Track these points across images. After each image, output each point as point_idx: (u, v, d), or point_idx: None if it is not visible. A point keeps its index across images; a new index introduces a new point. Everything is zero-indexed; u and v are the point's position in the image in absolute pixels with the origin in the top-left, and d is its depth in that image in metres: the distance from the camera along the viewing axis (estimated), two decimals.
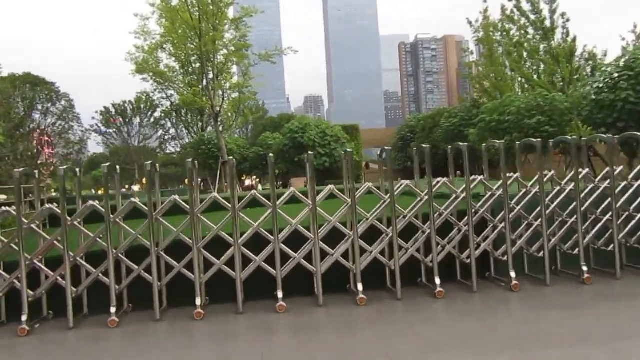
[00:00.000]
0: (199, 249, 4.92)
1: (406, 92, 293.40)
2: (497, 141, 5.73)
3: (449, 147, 5.90)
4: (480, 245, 5.47)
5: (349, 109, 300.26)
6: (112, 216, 4.82)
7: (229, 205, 4.95)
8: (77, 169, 5.62)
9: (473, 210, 5.35)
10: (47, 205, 4.96)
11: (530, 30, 31.63)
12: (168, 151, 73.35)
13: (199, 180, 57.77)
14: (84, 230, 4.93)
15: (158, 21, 30.09)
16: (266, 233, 5.01)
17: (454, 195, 5.52)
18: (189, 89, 32.07)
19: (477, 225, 5.46)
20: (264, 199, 5.16)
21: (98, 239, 4.86)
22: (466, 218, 5.33)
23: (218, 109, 30.76)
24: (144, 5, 30.77)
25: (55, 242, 4.82)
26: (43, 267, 4.87)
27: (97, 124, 70.32)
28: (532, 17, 31.05)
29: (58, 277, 4.78)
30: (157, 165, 5.53)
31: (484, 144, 5.98)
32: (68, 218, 4.78)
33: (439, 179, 5.61)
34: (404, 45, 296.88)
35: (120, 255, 4.90)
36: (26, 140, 22.39)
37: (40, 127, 25.26)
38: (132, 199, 5.05)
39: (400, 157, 44.32)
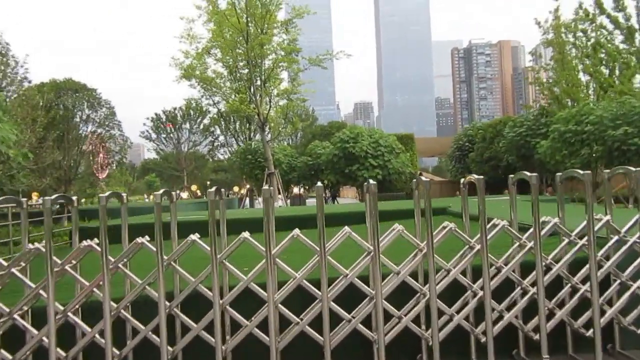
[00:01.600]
0: (224, 307, 3.88)
1: (458, 99, 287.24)
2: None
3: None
4: (606, 312, 4.06)
5: (400, 116, 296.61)
6: (165, 257, 3.83)
7: (263, 250, 3.87)
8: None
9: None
10: (85, 243, 3.97)
11: (610, 30, 28.38)
12: (217, 158, 73.05)
13: (244, 190, 56.76)
14: (130, 275, 3.92)
15: (205, 24, 28.80)
16: (311, 286, 3.89)
17: (567, 239, 4.20)
18: (236, 95, 30.67)
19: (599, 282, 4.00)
20: (310, 243, 4.00)
21: (147, 287, 3.86)
22: (584, 271, 4.05)
23: (265, 116, 29.11)
24: (189, 8, 29.35)
25: (95, 289, 3.87)
26: (78, 320, 3.88)
27: (147, 130, 70.94)
28: (615, 15, 27.80)
29: (97, 335, 3.81)
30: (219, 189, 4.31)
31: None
32: (111, 259, 3.80)
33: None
34: (456, 51, 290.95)
35: (175, 310, 3.90)
36: (75, 146, 21.25)
37: (89, 133, 24.32)
38: (193, 238, 4.08)
39: (457, 168, 41.48)
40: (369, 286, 3.94)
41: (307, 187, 44.42)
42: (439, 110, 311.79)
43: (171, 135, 71.01)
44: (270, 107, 29.70)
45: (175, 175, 72.18)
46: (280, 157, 34.60)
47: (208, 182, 74.05)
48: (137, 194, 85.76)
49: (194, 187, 70.10)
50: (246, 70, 30.97)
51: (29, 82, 32.23)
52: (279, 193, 29.57)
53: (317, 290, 3.85)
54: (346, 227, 4.14)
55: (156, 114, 70.11)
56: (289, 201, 45.41)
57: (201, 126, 69.93)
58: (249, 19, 27.46)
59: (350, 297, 3.97)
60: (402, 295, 4.00)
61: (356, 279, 3.91)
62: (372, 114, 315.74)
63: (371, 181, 4.02)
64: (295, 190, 43.99)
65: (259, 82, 30.22)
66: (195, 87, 34.92)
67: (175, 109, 68.21)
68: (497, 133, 36.76)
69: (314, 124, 56.05)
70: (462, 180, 4.69)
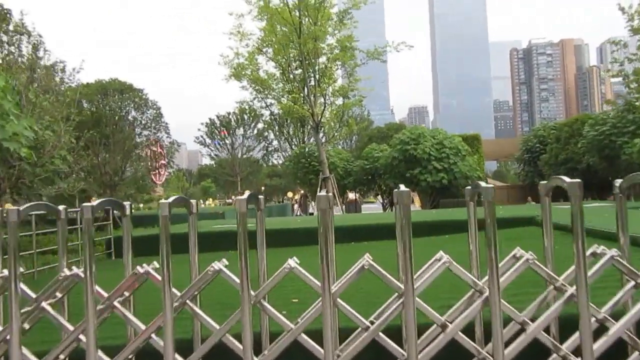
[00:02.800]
0: None
1: (518, 101, 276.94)
2: None
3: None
4: None
5: (456, 119, 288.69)
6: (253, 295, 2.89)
7: (316, 283, 2.86)
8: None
9: None
10: (140, 269, 3.00)
11: None
12: (271, 163, 72.13)
13: (299, 196, 55.16)
14: (203, 317, 2.94)
15: (255, 19, 27.20)
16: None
17: None
18: (289, 96, 28.99)
19: None
20: (314, 282, 2.92)
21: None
22: None
23: (319, 117, 27.19)
24: (237, 4, 27.81)
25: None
26: None
27: (202, 136, 70.87)
28: None
29: None
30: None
31: None
32: (177, 292, 2.91)
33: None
34: (515, 52, 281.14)
35: None
36: (121, 149, 20.11)
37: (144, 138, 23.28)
38: (218, 266, 3.14)
39: (528, 172, 38.12)
40: (401, 344, 2.83)
41: (362, 193, 42.27)
42: (497, 113, 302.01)
43: (225, 140, 70.64)
44: (325, 107, 27.76)
45: (230, 180, 71.81)
46: (335, 161, 32.60)
47: (262, 188, 73.25)
48: (193, 199, 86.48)
49: (247, 193, 69.35)
50: (299, 71, 29.23)
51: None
52: (335, 199, 27.58)
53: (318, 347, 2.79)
54: (366, 255, 3.14)
55: (210, 119, 69.94)
56: (344, 207, 43.44)
57: (255, 131, 69.19)
58: (301, 12, 25.62)
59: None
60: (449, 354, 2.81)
61: (381, 335, 2.87)
62: (427, 117, 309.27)
63: (402, 187, 2.98)
64: (351, 195, 41.95)
65: (312, 82, 28.42)
66: (247, 88, 33.51)
67: (229, 113, 67.77)
68: (574, 133, 33.32)
69: (370, 127, 53.78)
70: (541, 184, 3.39)
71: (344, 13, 26.65)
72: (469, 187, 3.40)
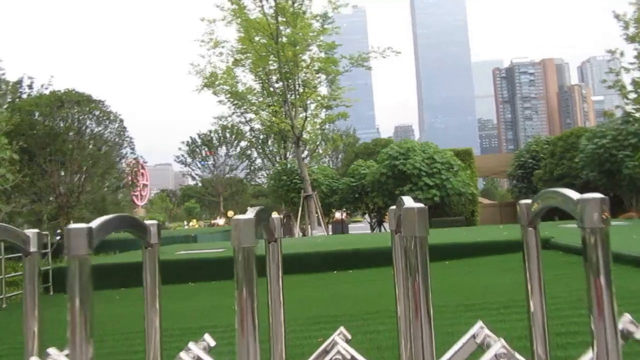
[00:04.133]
0: None
1: (502, 119, 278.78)
2: None
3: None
4: None
5: (441, 137, 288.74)
6: None
7: None
8: None
9: None
10: None
11: None
12: (255, 182, 69.97)
13: (281, 216, 52.84)
14: None
15: (228, 24, 25.29)
16: None
17: None
18: (269, 110, 27.05)
19: None
20: None
21: None
22: None
23: (300, 131, 25.19)
24: (207, 10, 25.86)
25: None
26: None
27: (182, 155, 68.62)
28: None
29: None
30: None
31: None
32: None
33: None
34: (498, 71, 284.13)
35: None
36: (77, 166, 17.90)
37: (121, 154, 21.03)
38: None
39: (521, 189, 36.41)
40: None
41: (349, 212, 40.17)
42: (482, 131, 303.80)
43: (207, 159, 68.50)
44: (306, 120, 25.79)
45: (214, 201, 69.50)
46: (319, 178, 30.49)
47: (248, 208, 70.73)
48: (178, 220, 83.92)
49: (230, 213, 67.01)
50: (280, 84, 27.34)
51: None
52: (319, 220, 25.45)
53: None
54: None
55: (191, 138, 67.85)
56: (330, 227, 41.20)
57: (238, 149, 67.17)
58: (278, 18, 23.75)
59: None
60: None
61: None
62: (412, 136, 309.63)
63: (409, 200, 1.69)
64: (337, 215, 39.85)
65: (293, 95, 26.55)
66: (225, 102, 31.53)
67: (210, 132, 65.68)
68: (570, 147, 31.71)
69: (356, 143, 51.98)
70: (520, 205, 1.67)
71: (324, 17, 24.83)
72: (393, 207, 2.17)
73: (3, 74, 32.01)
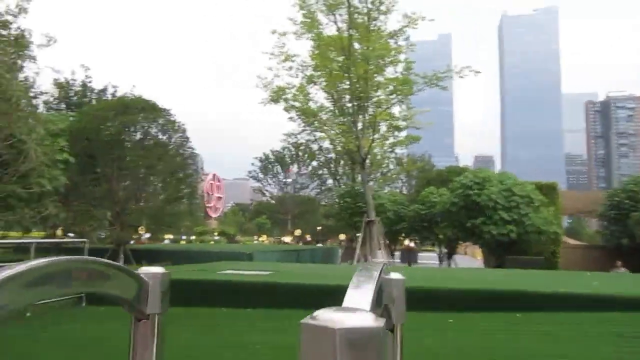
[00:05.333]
0: None
1: (593, 155, 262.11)
2: None
3: None
4: None
5: (524, 171, 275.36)
6: None
7: None
8: None
9: None
10: None
11: None
12: (324, 202, 69.30)
13: (342, 240, 51.37)
14: None
15: (298, 37, 24.58)
16: None
17: None
18: (337, 127, 26.04)
19: None
20: None
21: None
22: None
23: (367, 150, 23.89)
24: (277, 22, 25.28)
25: None
26: None
27: (255, 171, 69.41)
28: None
29: None
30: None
31: None
32: None
33: None
34: (592, 104, 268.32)
35: None
36: (137, 176, 17.74)
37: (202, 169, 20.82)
38: None
39: (613, 232, 32.74)
40: None
41: (417, 241, 38.09)
42: (570, 166, 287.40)
43: (278, 176, 68.88)
44: (373, 140, 24.45)
45: (284, 218, 69.59)
46: (385, 204, 28.93)
47: (319, 228, 70.34)
48: (248, 235, 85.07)
49: (297, 232, 66.61)
50: (351, 104, 26.32)
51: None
52: (380, 247, 23.88)
53: None
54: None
55: (264, 154, 68.58)
56: (397, 254, 39.20)
57: (309, 168, 66.94)
58: (350, 29, 22.68)
59: None
60: None
61: None
62: (493, 167, 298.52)
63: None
64: (406, 242, 37.89)
65: (362, 116, 25.39)
66: (295, 120, 30.95)
67: (283, 149, 66.00)
68: None
69: (430, 170, 49.82)
70: None
71: (399, 32, 23.47)
72: None
73: (90, 82, 33.48)
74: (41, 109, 19.92)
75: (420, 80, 24.37)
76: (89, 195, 18.20)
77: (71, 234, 27.07)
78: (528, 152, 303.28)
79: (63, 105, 30.59)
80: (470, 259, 47.77)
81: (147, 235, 41.13)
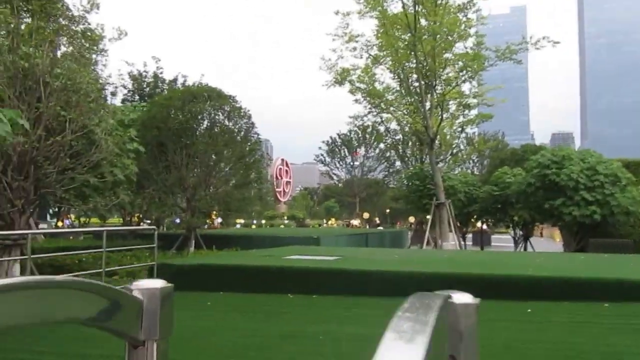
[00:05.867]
0: None
1: None
2: None
3: None
4: None
5: (607, 148, 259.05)
6: None
7: None
8: None
9: None
10: None
11: None
12: (392, 185, 68.44)
13: (411, 222, 50.41)
14: None
15: (364, 16, 23.87)
16: None
17: None
18: (404, 108, 25.27)
19: None
20: None
21: None
22: None
23: (435, 131, 22.97)
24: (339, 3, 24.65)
25: None
26: None
27: (322, 154, 69.57)
28: None
29: None
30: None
31: None
32: None
33: None
34: None
35: None
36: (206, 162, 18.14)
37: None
38: None
39: None
40: None
41: (491, 223, 36.65)
42: None
43: (345, 159, 68.66)
44: (441, 119, 23.49)
45: (351, 201, 69.50)
46: (456, 185, 27.90)
47: (387, 211, 69.78)
48: (317, 218, 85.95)
49: (365, 215, 66.30)
50: (418, 83, 25.43)
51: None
52: (451, 230, 23.04)
53: None
54: None
55: (331, 137, 68.56)
56: (470, 237, 37.99)
57: (377, 150, 66.21)
58: (416, 5, 21.70)
59: None
60: None
61: None
62: (572, 145, 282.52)
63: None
64: (478, 224, 36.59)
65: (430, 95, 24.44)
66: (361, 102, 30.43)
67: (350, 132, 65.59)
68: None
69: (504, 149, 47.59)
70: None
71: (469, 4, 22.17)
72: None
73: (161, 73, 34.52)
74: (114, 101, 20.63)
75: (493, 55, 23.04)
76: (160, 183, 18.70)
77: (148, 221, 28.24)
78: (613, 128, 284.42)
79: (137, 97, 31.80)
80: (547, 242, 45.52)
81: (219, 220, 42.35)
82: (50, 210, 34.33)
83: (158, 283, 1.05)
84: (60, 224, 34.28)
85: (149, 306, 1.02)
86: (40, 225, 35.26)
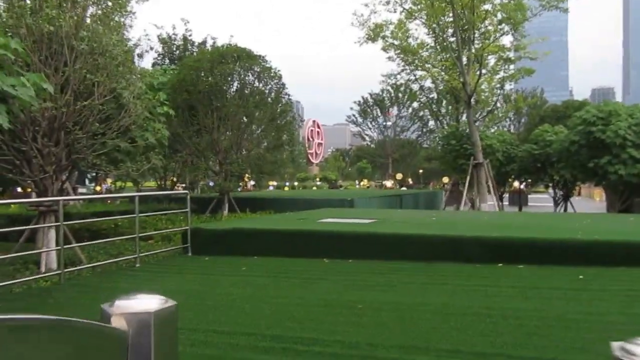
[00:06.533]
0: None
1: None
2: None
3: None
4: None
5: None
6: None
7: None
8: None
9: None
10: None
11: None
12: (426, 145, 67.18)
13: (446, 183, 49.45)
14: None
15: None
16: None
17: None
18: (439, 64, 24.26)
19: None
20: None
21: None
22: None
23: (473, 89, 21.98)
24: None
25: None
26: None
27: (354, 115, 68.57)
28: None
29: None
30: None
31: None
32: None
33: None
34: None
35: None
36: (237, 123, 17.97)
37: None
38: None
39: None
40: None
41: (529, 183, 35.61)
42: None
43: (378, 119, 67.50)
44: (480, 75, 22.43)
45: (384, 162, 68.70)
46: (494, 144, 26.95)
47: (420, 171, 68.85)
48: (349, 180, 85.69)
49: (399, 176, 65.53)
50: (454, 38, 24.28)
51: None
52: (490, 192, 22.35)
53: None
54: None
55: (363, 97, 67.34)
56: (506, 197, 37.11)
57: (410, 110, 64.76)
58: None
59: None
60: None
61: None
62: (614, 100, 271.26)
63: None
64: (516, 184, 35.66)
65: (467, 50, 23.31)
66: (394, 59, 29.47)
67: (382, 91, 64.19)
68: None
69: (543, 106, 45.68)
70: None
71: None
72: None
73: (190, 35, 34.05)
74: (143, 64, 20.37)
75: (536, 4, 21.68)
76: (193, 147, 18.58)
77: (182, 185, 28.41)
78: None
79: (167, 61, 31.54)
80: (586, 201, 44.19)
81: (252, 183, 42.45)
82: (89, 176, 34.99)
83: (152, 302, 0.68)
84: (98, 188, 34.95)
85: (137, 339, 0.65)
86: (79, 190, 36.02)
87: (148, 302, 0.65)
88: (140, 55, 19.69)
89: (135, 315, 0.62)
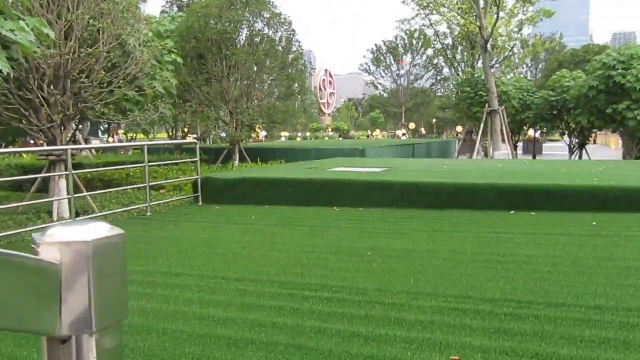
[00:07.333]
0: None
1: None
2: None
3: None
4: None
5: None
6: None
7: None
8: None
9: None
10: None
11: None
12: (440, 94, 65.93)
13: (459, 132, 48.78)
14: None
15: None
16: None
17: None
18: (455, 7, 23.38)
19: None
20: None
21: None
22: None
23: (490, 32, 21.25)
24: None
25: None
26: None
27: (367, 63, 67.25)
28: None
29: None
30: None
31: None
32: None
33: None
34: None
35: None
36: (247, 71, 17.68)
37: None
38: None
39: None
40: None
41: (545, 131, 34.95)
42: None
43: (391, 68, 66.12)
44: (498, 18, 21.63)
45: (397, 112, 67.86)
46: (510, 91, 26.30)
47: (434, 120, 68.00)
48: (362, 130, 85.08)
49: (412, 126, 64.84)
50: None
51: None
52: (504, 140, 21.99)
53: None
54: None
55: (376, 45, 65.79)
56: (520, 145, 36.57)
57: (424, 57, 63.25)
58: None
59: None
60: None
61: None
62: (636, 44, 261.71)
63: None
64: (530, 133, 35.07)
65: None
66: (409, 3, 28.49)
67: (396, 38, 62.58)
68: None
69: (562, 51, 44.24)
70: None
71: None
72: None
73: None
74: (149, 10, 19.91)
75: None
76: (202, 96, 18.37)
77: (194, 135, 28.37)
78: None
79: (175, 9, 30.82)
80: (602, 149, 43.52)
81: (264, 133, 42.25)
82: (102, 128, 35.07)
83: (92, 231, 0.56)
84: (110, 139, 35.12)
85: (71, 276, 0.55)
86: (93, 142, 36.19)
87: (86, 230, 0.54)
88: (145, 0, 19.20)
89: (69, 245, 0.52)
